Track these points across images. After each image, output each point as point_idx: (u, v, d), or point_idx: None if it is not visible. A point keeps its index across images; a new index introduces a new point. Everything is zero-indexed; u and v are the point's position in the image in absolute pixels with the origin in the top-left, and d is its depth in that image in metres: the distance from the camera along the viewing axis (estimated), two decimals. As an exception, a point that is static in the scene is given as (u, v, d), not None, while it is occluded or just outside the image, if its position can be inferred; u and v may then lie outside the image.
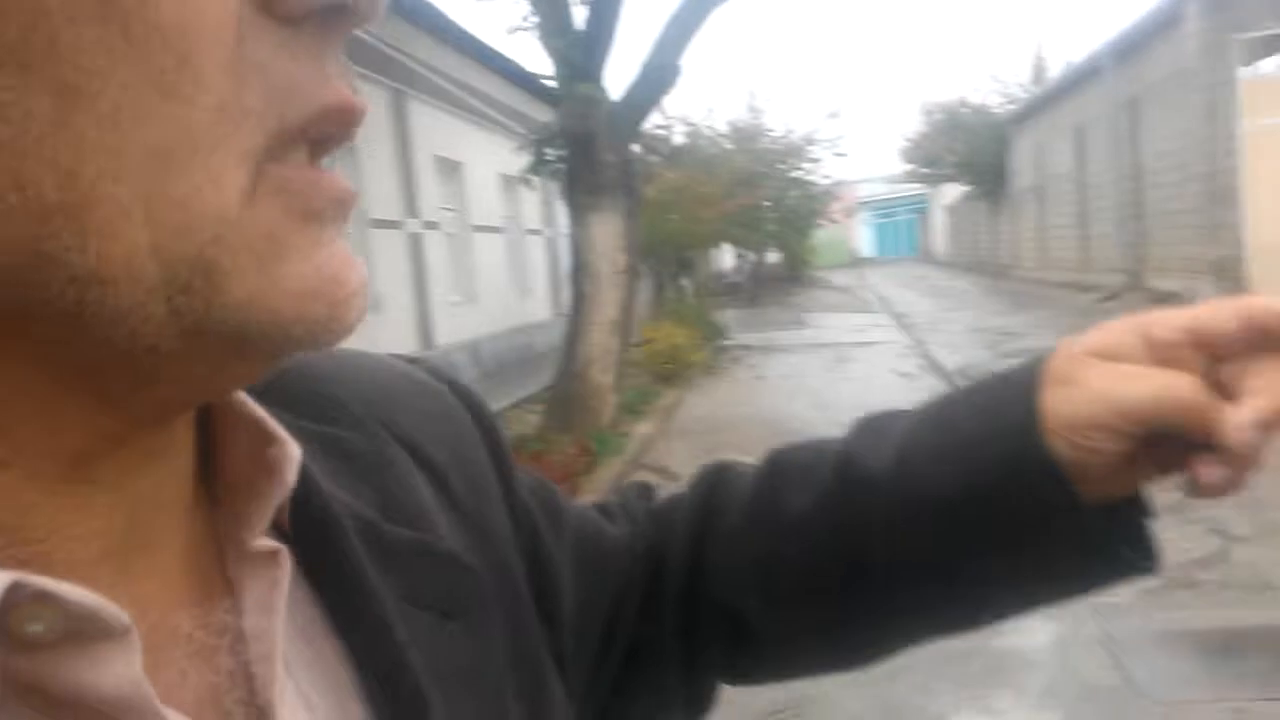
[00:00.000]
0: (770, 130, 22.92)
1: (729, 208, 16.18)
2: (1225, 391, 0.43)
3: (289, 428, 0.34)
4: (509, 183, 12.17)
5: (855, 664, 0.58)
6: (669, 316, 13.20)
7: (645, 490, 0.63)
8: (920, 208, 47.03)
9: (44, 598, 0.24)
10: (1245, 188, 12.48)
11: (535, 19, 7.85)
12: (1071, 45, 48.67)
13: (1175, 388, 0.43)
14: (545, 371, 9.02)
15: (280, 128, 0.26)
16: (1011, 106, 26.79)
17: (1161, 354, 0.45)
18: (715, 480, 0.59)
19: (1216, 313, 0.44)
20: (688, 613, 0.57)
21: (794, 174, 22.91)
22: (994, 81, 28.13)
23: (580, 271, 7.12)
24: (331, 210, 0.28)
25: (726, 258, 27.05)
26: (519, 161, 8.50)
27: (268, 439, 0.34)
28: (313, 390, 0.42)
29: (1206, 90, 12.74)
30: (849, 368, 12.08)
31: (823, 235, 30.95)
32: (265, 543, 0.33)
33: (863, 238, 50.11)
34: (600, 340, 6.88)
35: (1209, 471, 0.44)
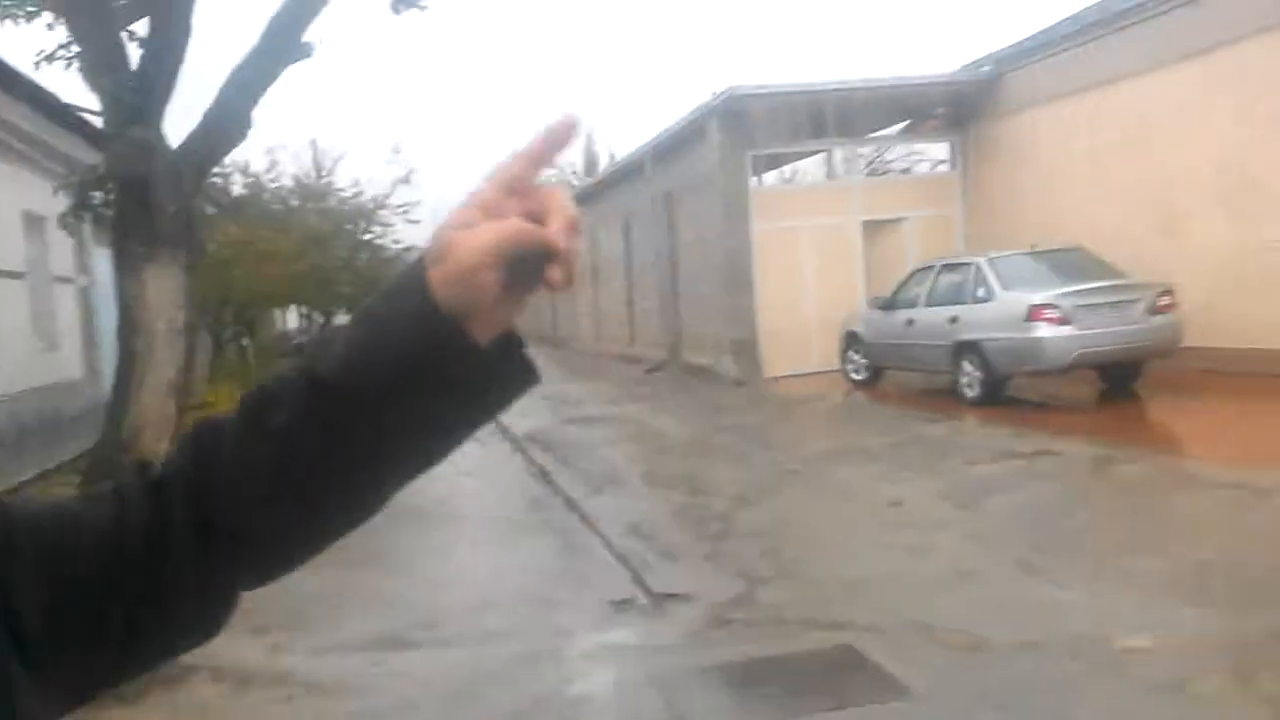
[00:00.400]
0: (339, 189, 22.53)
1: (300, 267, 15.57)
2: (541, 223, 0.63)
3: None
4: (34, 223, 10.69)
5: (355, 523, 0.71)
6: (228, 378, 12.34)
7: (140, 468, 0.71)
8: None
9: None
10: (757, 280, 14.65)
11: (77, 50, 7.12)
12: (617, 139, 53.82)
13: (509, 226, 0.61)
14: (78, 437, 7.95)
15: None
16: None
17: (494, 213, 0.62)
18: (200, 428, 0.69)
19: (508, 168, 0.64)
20: (201, 544, 0.66)
21: (365, 236, 22.65)
22: (552, 167, 30.22)
23: (129, 328, 6.49)
24: None
25: (291, 318, 25.84)
26: (47, 200, 7.57)
27: None
28: None
29: (725, 195, 14.83)
30: (419, 434, 12.14)
31: (392, 300, 30.61)
32: None
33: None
34: (154, 404, 6.30)
35: (553, 271, 0.63)
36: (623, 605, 5.27)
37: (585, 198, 24.93)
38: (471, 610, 5.37)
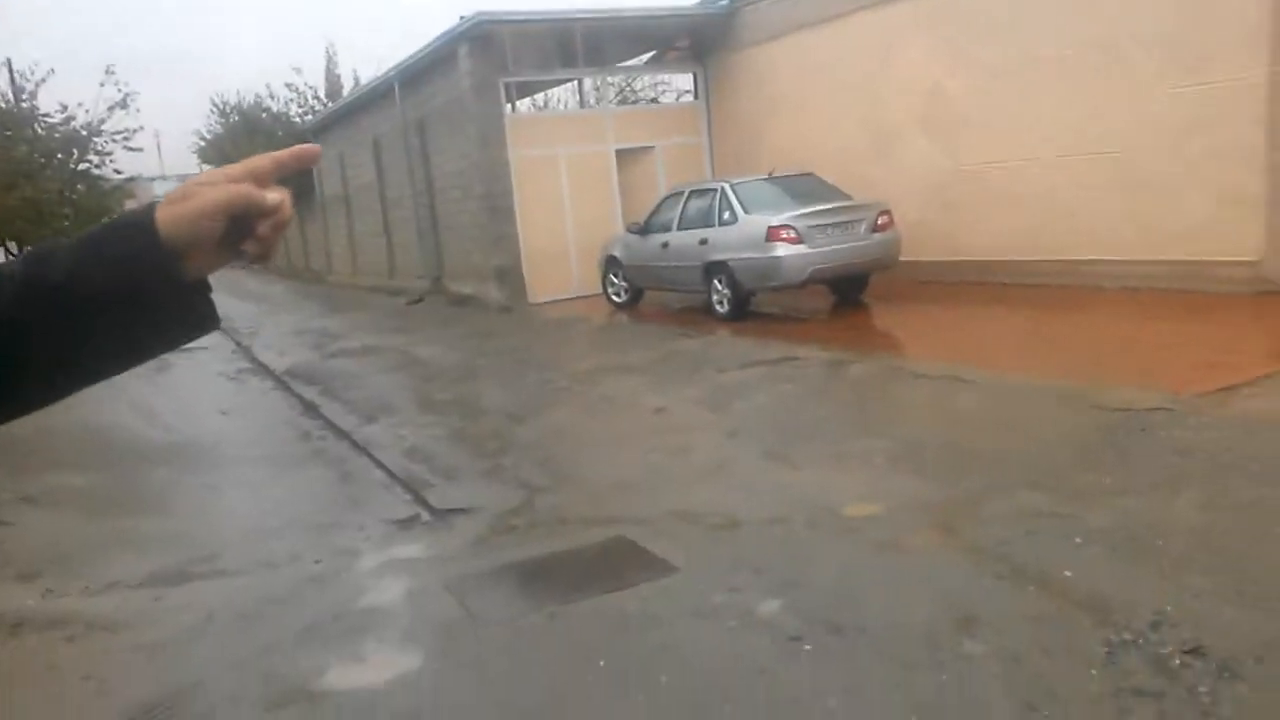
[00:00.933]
0: (45, 116, 20.32)
1: (10, 200, 14.04)
2: None
3: None
4: None
5: (48, 401, 0.84)
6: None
7: None
8: (223, 212, 45.51)
9: None
10: (517, 207, 14.80)
11: None
12: (362, 62, 51.26)
13: (240, 189, 0.80)
14: None
15: None
16: (309, 117, 27.45)
17: (235, 183, 0.80)
18: None
19: (258, 160, 0.84)
20: None
21: (81, 167, 20.64)
22: (290, 90, 28.52)
23: None
24: None
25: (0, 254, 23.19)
26: None
27: None
28: None
29: (480, 122, 14.78)
30: (172, 375, 11.50)
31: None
32: None
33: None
34: None
35: (262, 230, 0.82)
36: (406, 523, 5.46)
37: (331, 123, 23.85)
38: (250, 541, 5.37)
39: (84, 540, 5.47)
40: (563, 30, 15.20)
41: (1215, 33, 8.99)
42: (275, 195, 0.83)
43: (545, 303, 14.57)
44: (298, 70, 34.10)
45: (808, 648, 3.52)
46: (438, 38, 15.19)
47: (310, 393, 9.66)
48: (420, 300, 17.34)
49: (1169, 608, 3.49)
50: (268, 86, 28.57)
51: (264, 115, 29.56)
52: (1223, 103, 9.00)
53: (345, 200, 23.46)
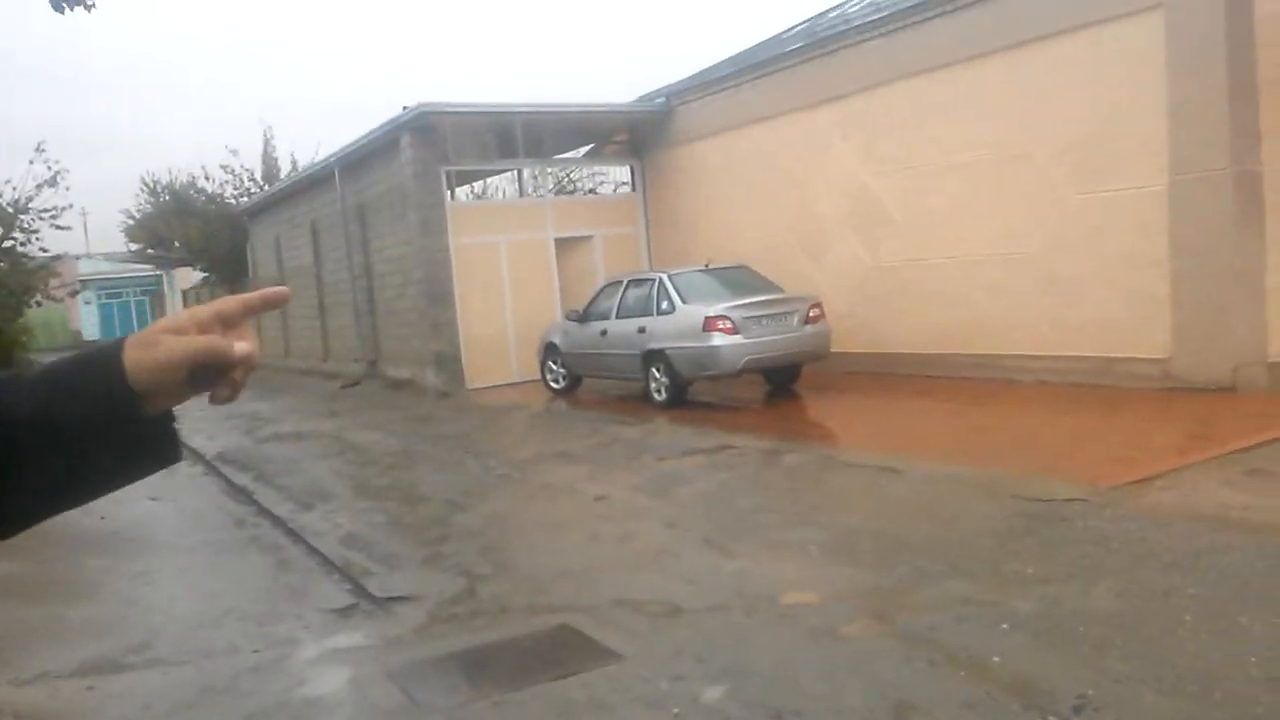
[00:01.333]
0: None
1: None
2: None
3: None
4: None
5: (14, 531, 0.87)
6: None
7: None
8: (152, 289, 44.73)
9: None
10: (457, 293, 14.93)
11: None
12: (300, 146, 51.46)
13: (205, 342, 0.80)
14: None
15: None
16: (244, 199, 27.39)
17: (203, 329, 0.81)
18: None
19: (226, 303, 0.84)
20: None
21: (6, 244, 20.21)
22: (226, 171, 28.45)
23: None
24: None
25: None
26: None
27: None
28: None
29: (422, 209, 14.98)
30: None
31: (39, 314, 27.54)
32: None
33: (87, 318, 45.65)
34: None
35: (234, 376, 0.82)
36: (345, 612, 5.43)
37: (267, 205, 23.85)
38: (186, 630, 5.28)
39: (12, 629, 5.32)
40: (503, 122, 15.62)
41: (1119, 144, 9.67)
42: (243, 346, 0.82)
43: (483, 389, 14.61)
44: (234, 152, 34.17)
45: (750, 734, 3.62)
46: (380, 126, 15.46)
47: (243, 478, 9.53)
48: (356, 384, 17.23)
49: (1091, 691, 3.67)
50: (203, 168, 28.50)
51: (197, 195, 29.37)
52: (1128, 209, 9.64)
53: (279, 283, 23.31)
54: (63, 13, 8.39)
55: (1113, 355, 9.86)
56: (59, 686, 4.48)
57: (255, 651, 4.87)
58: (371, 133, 15.88)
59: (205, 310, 0.83)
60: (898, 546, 5.65)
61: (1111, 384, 9.74)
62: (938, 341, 11.62)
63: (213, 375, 0.82)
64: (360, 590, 5.77)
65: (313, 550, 6.77)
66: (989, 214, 11.00)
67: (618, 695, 4.03)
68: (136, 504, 8.86)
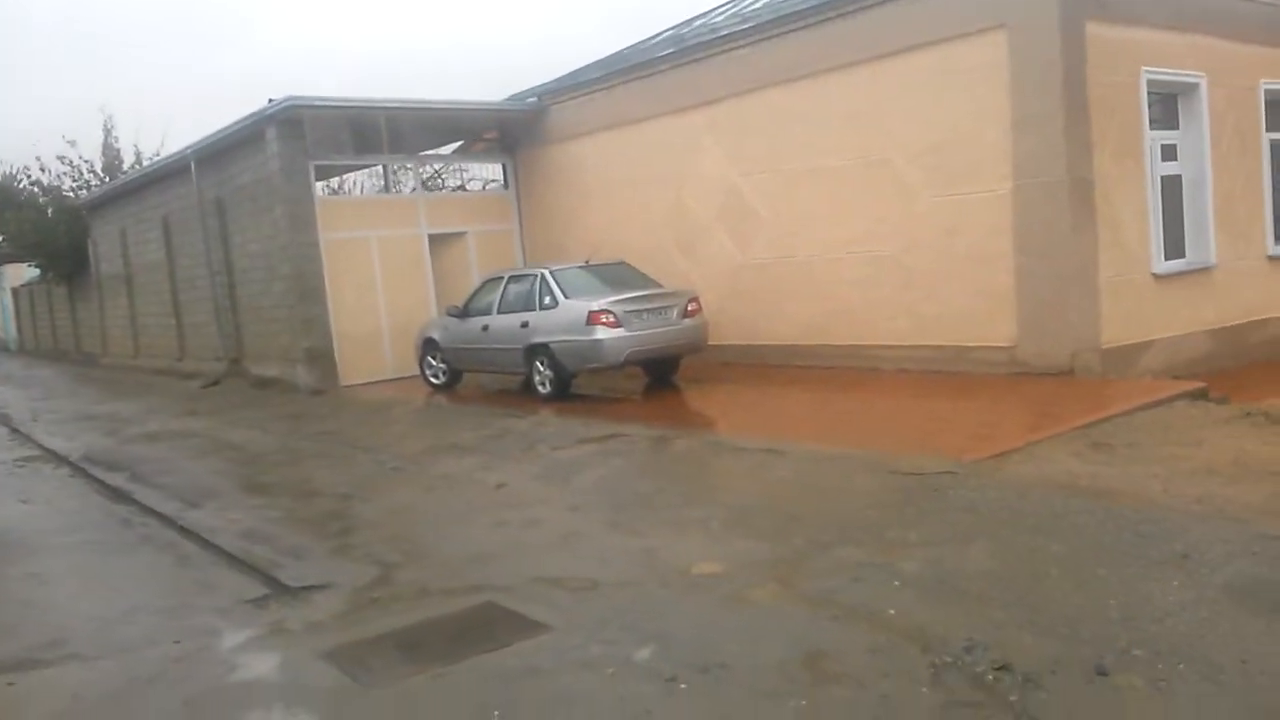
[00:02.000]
0: None
1: None
2: None
3: None
4: None
5: None
6: None
7: None
8: (-28, 288, 41.59)
9: None
10: (328, 289, 14.70)
11: None
12: (142, 138, 48.58)
13: None
14: None
15: None
16: (84, 192, 25.94)
17: None
18: None
19: None
20: None
21: None
22: (63, 163, 26.80)
23: None
24: None
25: None
26: None
27: None
28: None
29: (289, 203, 14.66)
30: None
31: None
32: None
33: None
34: None
35: None
36: (261, 601, 5.46)
37: (111, 198, 22.68)
38: (97, 626, 5.19)
39: (-97, 635, 5.10)
40: (372, 116, 15.44)
41: (969, 152, 10.50)
42: None
43: (358, 385, 14.45)
44: (71, 142, 32.08)
45: (683, 686, 3.94)
46: (244, 119, 15.03)
47: (117, 479, 9.22)
48: (217, 383, 16.68)
49: (977, 635, 4.16)
50: (38, 158, 26.69)
51: (29, 187, 27.55)
52: (977, 211, 10.49)
53: (127, 279, 22.23)
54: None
55: (965, 344, 10.70)
56: (-27, 685, 4.38)
57: (176, 642, 4.86)
58: (233, 125, 15.41)
59: None
60: (790, 520, 6.10)
61: (965, 370, 10.58)
62: (806, 333, 12.28)
63: None
64: (271, 581, 5.79)
65: (210, 546, 6.70)
66: (852, 214, 11.71)
67: (553, 661, 4.27)
68: (5, 506, 8.47)
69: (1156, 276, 10.56)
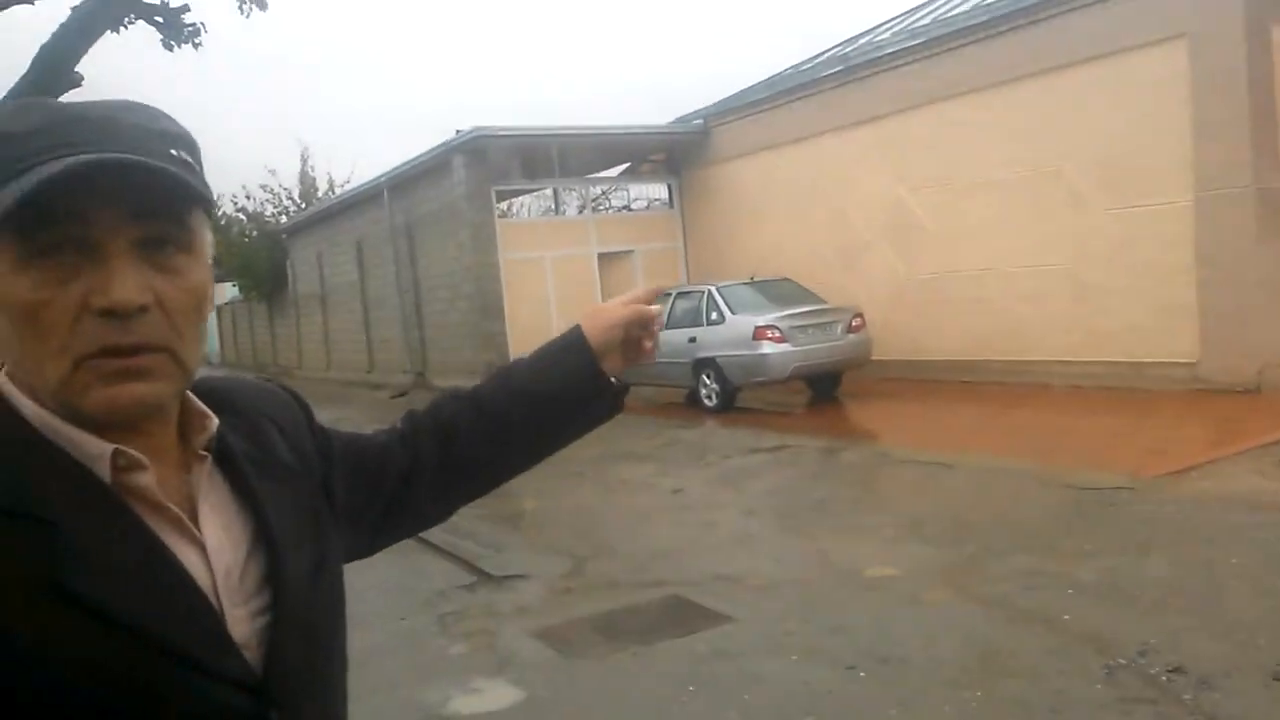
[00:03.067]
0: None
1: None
2: None
3: (216, 413, 0.91)
4: None
5: (512, 476, 1.26)
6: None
7: (409, 415, 1.23)
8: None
9: (125, 454, 0.82)
10: (506, 306, 15.64)
11: None
12: (334, 165, 52.51)
13: (634, 304, 1.22)
14: None
15: (83, 353, 0.78)
16: (284, 218, 28.23)
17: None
18: (440, 402, 1.24)
19: (635, 292, 1.26)
20: (438, 476, 1.18)
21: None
22: (266, 191, 29.34)
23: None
24: (109, 375, 0.79)
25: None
26: None
27: (204, 415, 0.90)
28: (224, 398, 0.97)
29: (472, 226, 15.73)
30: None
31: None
32: (202, 452, 0.89)
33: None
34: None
35: (646, 341, 1.24)
36: (471, 587, 6.09)
37: (308, 224, 24.62)
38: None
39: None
40: (549, 143, 16.34)
41: (1146, 161, 10.31)
42: (654, 307, 1.23)
43: (532, 397, 15.27)
44: (272, 171, 35.06)
45: (862, 674, 4.25)
46: (433, 149, 16.21)
47: (328, 478, 10.19)
48: (404, 394, 17.92)
49: (1152, 640, 4.29)
50: (244, 186, 29.36)
51: (236, 214, 30.21)
52: (1155, 223, 10.27)
53: (321, 298, 24.08)
54: (172, 51, 9.15)
55: (1142, 360, 10.47)
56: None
57: (402, 619, 5.53)
58: (423, 154, 16.63)
59: (624, 296, 1.25)
60: (963, 528, 6.28)
61: (1142, 386, 10.35)
62: (972, 349, 12.24)
63: (637, 330, 1.22)
64: (477, 570, 6.42)
65: (419, 539, 7.42)
66: (1022, 228, 11.64)
67: (740, 646, 4.67)
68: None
69: (1355, 289, 10.06)
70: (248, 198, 29.79)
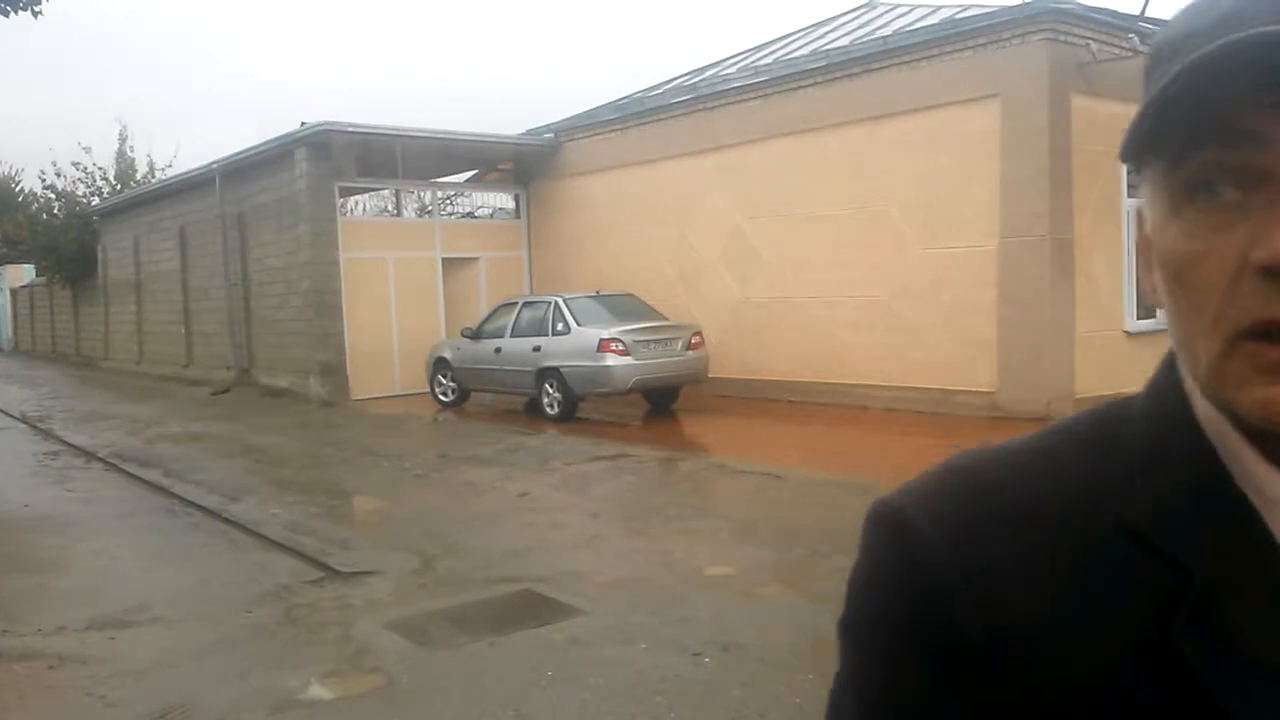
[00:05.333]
0: None
1: None
2: None
3: None
4: None
5: None
6: None
7: None
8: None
9: None
10: (345, 305, 15.36)
11: None
12: (156, 149, 49.52)
13: None
14: None
15: (1238, 328, 0.54)
16: (97, 199, 26.55)
17: None
18: None
19: None
20: None
21: None
22: (78, 169, 27.43)
23: None
24: (1268, 367, 0.53)
25: None
26: None
27: None
28: None
29: (313, 222, 15.35)
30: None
31: None
32: None
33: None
34: None
35: None
36: (319, 582, 6.08)
37: (125, 206, 23.27)
38: (174, 595, 5.80)
39: (4, 595, 5.69)
40: (397, 144, 16.19)
41: (960, 207, 11.33)
42: None
43: (368, 399, 15.06)
44: (87, 149, 32.65)
45: (706, 659, 4.60)
46: (275, 139, 15.75)
47: (151, 474, 9.79)
48: (227, 391, 17.24)
49: (957, 629, 4.85)
50: (54, 163, 27.26)
51: (44, 192, 28.10)
52: (966, 264, 11.30)
53: (136, 286, 22.78)
54: (7, 15, 8.66)
55: (949, 387, 11.47)
56: (82, 638, 4.98)
57: (249, 612, 5.49)
58: (263, 144, 16.12)
59: None
60: (792, 533, 6.78)
61: (948, 412, 11.33)
62: (800, 371, 13.02)
63: None
64: (323, 566, 6.41)
65: (258, 535, 7.30)
66: (848, 261, 12.51)
67: (592, 636, 4.93)
68: (49, 493, 9.05)
69: (1129, 334, 11.39)
70: (58, 174, 27.80)
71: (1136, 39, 11.11)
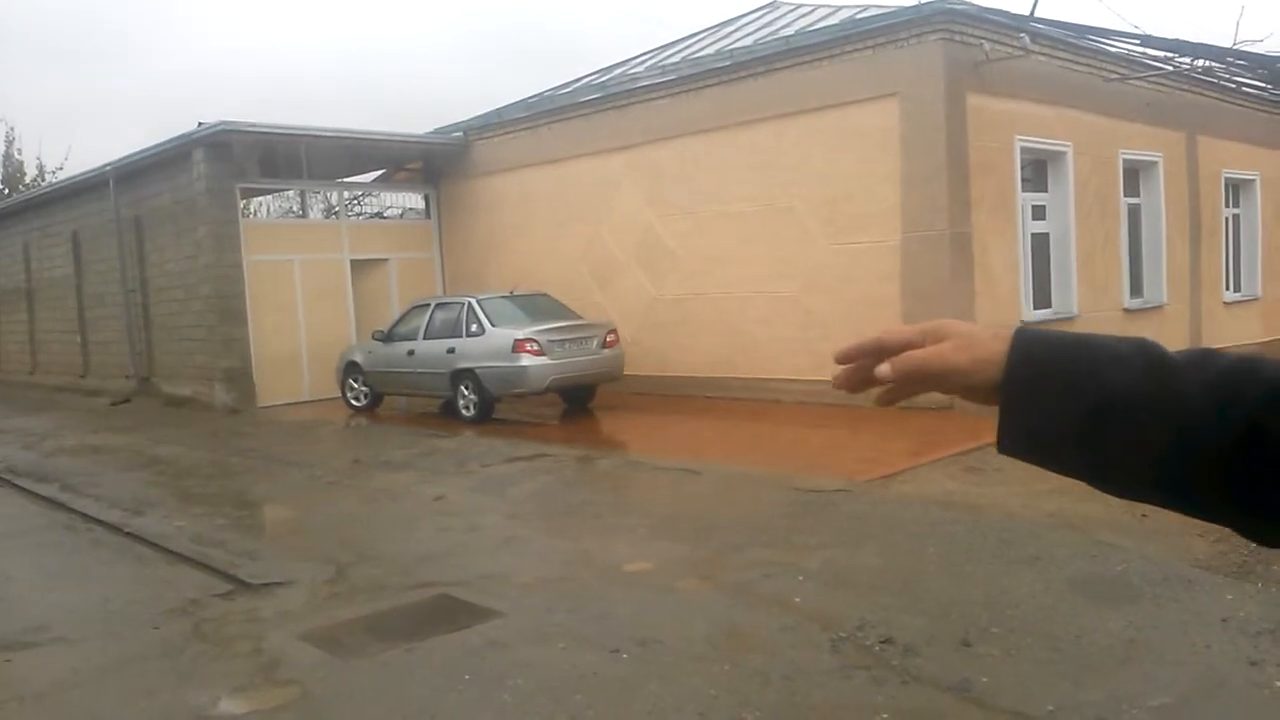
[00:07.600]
0: None
1: None
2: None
3: None
4: None
5: None
6: None
7: None
8: None
9: None
10: (250, 309, 14.96)
11: None
12: (53, 153, 47.28)
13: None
14: None
15: None
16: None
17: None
18: None
19: (893, 334, 0.84)
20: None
21: None
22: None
23: None
24: None
25: None
26: None
27: None
28: None
29: (214, 224, 14.91)
30: None
31: None
32: None
33: None
34: None
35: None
36: (229, 595, 5.94)
37: (13, 211, 22.25)
38: (75, 614, 5.59)
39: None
40: (299, 143, 15.83)
41: (864, 203, 11.62)
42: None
43: (276, 406, 14.71)
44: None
45: (624, 656, 4.65)
46: (171, 140, 15.24)
47: (48, 489, 9.41)
48: (127, 400, 16.64)
49: (868, 616, 5.00)
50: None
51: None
52: (870, 259, 11.59)
53: (27, 294, 21.81)
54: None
55: (858, 380, 11.73)
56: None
57: (155, 628, 5.33)
58: (159, 145, 15.59)
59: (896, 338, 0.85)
60: (707, 528, 6.88)
61: (858, 404, 11.48)
62: (715, 366, 13.19)
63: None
64: (232, 579, 6.26)
65: (163, 549, 7.09)
66: (758, 257, 12.71)
67: (509, 638, 4.94)
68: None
69: (1025, 324, 11.80)
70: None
71: (1028, 38, 11.55)
